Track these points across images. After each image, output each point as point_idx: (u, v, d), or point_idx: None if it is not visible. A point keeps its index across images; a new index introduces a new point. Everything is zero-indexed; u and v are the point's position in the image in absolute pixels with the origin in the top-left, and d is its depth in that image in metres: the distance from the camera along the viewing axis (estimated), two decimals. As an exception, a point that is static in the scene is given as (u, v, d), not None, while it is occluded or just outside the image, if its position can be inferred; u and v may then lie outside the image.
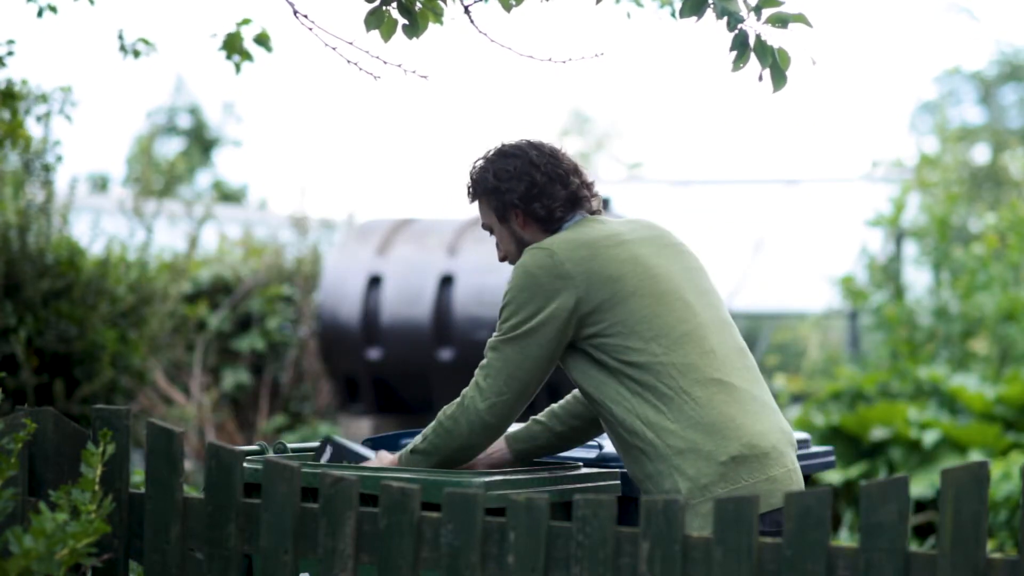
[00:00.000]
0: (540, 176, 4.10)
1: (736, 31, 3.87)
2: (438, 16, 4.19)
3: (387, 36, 4.14)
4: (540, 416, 4.30)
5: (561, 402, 4.32)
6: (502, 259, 4.20)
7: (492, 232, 4.21)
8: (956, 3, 30.33)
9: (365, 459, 4.30)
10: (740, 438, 3.92)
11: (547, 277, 3.98)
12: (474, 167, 4.18)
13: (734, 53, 3.89)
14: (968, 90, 28.07)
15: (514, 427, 4.30)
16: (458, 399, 4.06)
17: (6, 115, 5.91)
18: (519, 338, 4.02)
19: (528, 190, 4.10)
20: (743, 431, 3.93)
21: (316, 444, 4.55)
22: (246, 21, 5.36)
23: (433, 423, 4.06)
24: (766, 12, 3.84)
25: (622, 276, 3.99)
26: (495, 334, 4.08)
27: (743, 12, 3.85)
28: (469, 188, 4.19)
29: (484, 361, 4.06)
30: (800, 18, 3.84)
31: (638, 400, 3.94)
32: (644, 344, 3.96)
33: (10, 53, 5.95)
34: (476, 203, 4.21)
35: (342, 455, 4.33)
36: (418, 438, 4.09)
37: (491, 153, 4.18)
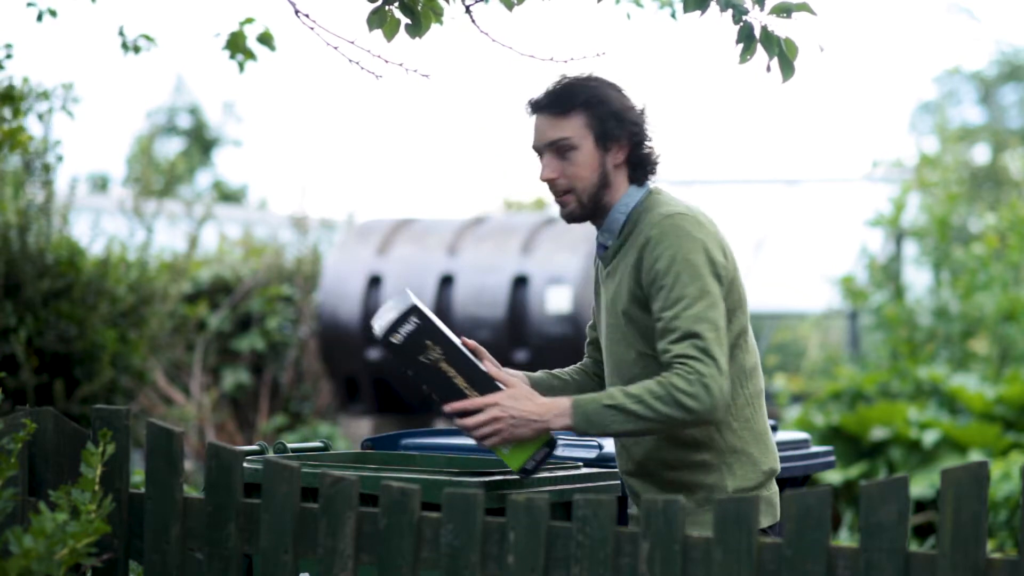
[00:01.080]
0: (650, 125, 3.92)
1: (741, 23, 3.87)
2: (438, 16, 4.19)
3: (390, 35, 4.14)
4: (575, 370, 4.13)
5: (586, 363, 4.17)
6: (552, 179, 3.85)
7: (561, 152, 3.84)
8: (956, 3, 30.34)
9: (456, 347, 3.73)
10: (773, 453, 3.95)
11: (709, 239, 3.78)
12: (579, 79, 3.86)
13: (740, 46, 3.89)
14: (968, 90, 28.08)
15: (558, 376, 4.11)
16: (686, 375, 3.67)
17: (7, 113, 5.91)
18: (715, 303, 3.73)
19: (645, 132, 3.89)
20: (773, 448, 3.97)
21: (317, 443, 4.55)
22: (249, 20, 5.36)
23: (654, 390, 3.67)
24: (770, 3, 3.85)
25: (733, 258, 3.88)
26: (686, 304, 3.72)
27: (747, 4, 3.86)
28: (569, 96, 3.83)
29: (698, 339, 3.69)
30: (804, 7, 3.84)
31: None
32: (732, 337, 3.83)
33: (8, 56, 5.95)
34: (556, 115, 3.84)
35: (426, 334, 3.70)
36: (623, 398, 3.68)
37: (599, 77, 3.88)
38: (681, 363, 3.70)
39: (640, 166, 3.90)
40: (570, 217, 3.91)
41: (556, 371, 4.15)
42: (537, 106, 3.88)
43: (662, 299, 3.75)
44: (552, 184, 3.87)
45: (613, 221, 3.90)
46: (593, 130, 3.85)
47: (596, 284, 4.09)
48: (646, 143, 3.90)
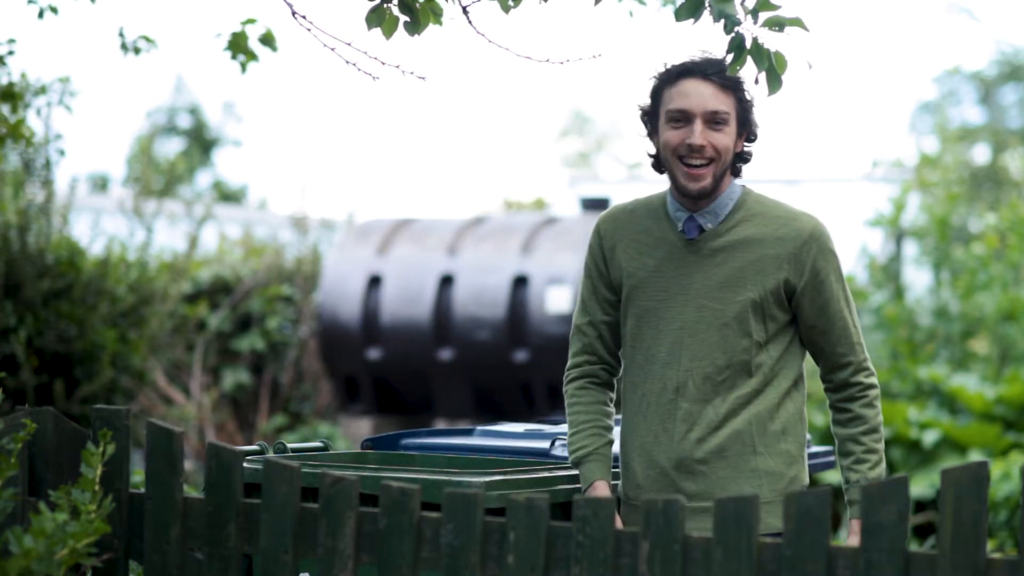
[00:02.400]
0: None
1: (733, 34, 3.86)
2: (437, 16, 4.18)
3: (389, 33, 4.13)
4: (608, 435, 4.07)
5: (602, 408, 4.09)
6: (703, 145, 3.88)
7: (715, 124, 3.90)
8: (956, 3, 30.36)
9: None
10: None
11: None
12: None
13: (730, 56, 3.89)
14: (968, 90, 28.10)
15: (601, 468, 4.03)
16: (874, 395, 3.95)
17: (5, 110, 5.91)
18: (851, 296, 4.00)
19: (757, 132, 4.02)
20: None
21: (317, 443, 4.55)
22: (251, 21, 5.36)
23: (875, 434, 3.94)
24: (763, 15, 3.84)
25: None
26: (841, 304, 3.93)
27: (740, 15, 3.85)
28: (729, 75, 3.87)
29: (856, 341, 3.95)
30: (797, 22, 3.84)
31: (799, 394, 3.99)
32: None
33: (11, 52, 5.95)
34: (720, 88, 3.91)
35: None
36: (870, 472, 3.91)
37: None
38: (869, 382, 3.94)
39: (742, 161, 4.00)
40: (702, 192, 3.92)
41: (598, 448, 4.02)
42: (703, 72, 3.91)
43: (837, 303, 3.92)
44: (700, 151, 3.90)
45: (722, 206, 3.96)
46: (738, 114, 3.94)
47: (617, 267, 4.00)
48: (753, 142, 4.02)
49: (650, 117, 4.00)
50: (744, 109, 3.94)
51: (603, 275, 4.04)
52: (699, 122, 3.89)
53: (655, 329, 3.94)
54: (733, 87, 3.92)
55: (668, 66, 3.96)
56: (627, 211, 4.05)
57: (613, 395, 4.12)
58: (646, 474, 3.94)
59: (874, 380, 3.97)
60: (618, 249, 4.01)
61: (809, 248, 3.89)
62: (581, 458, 4.01)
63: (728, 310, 3.89)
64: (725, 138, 3.91)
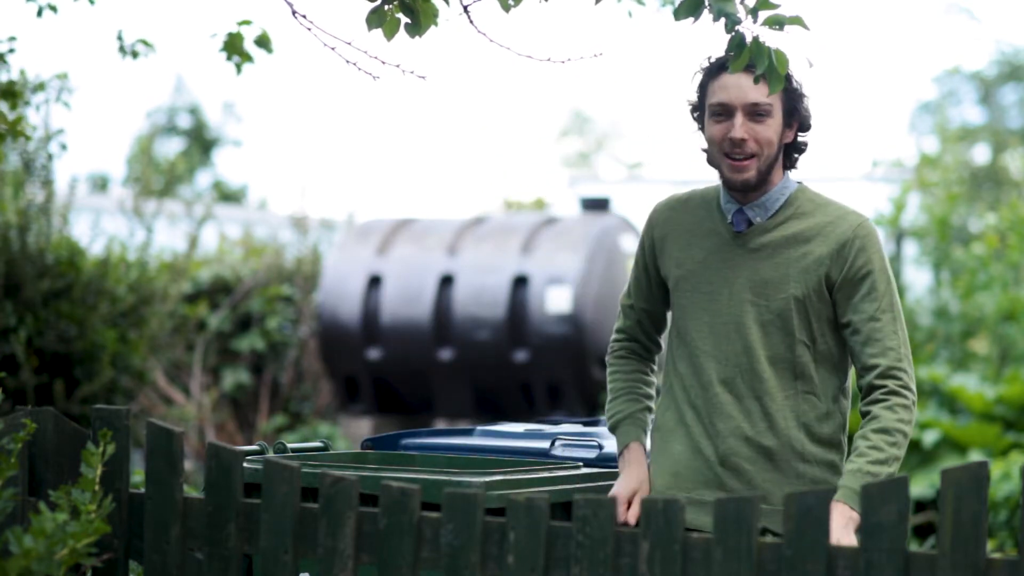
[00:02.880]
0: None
1: (733, 33, 3.86)
2: (434, 18, 4.17)
3: (390, 35, 4.12)
4: (647, 401, 4.08)
5: (641, 376, 4.10)
6: (744, 139, 3.83)
7: (757, 116, 3.84)
8: (956, 3, 30.37)
9: None
10: None
11: None
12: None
13: (731, 55, 3.88)
14: (968, 90, 28.11)
15: (636, 430, 4.04)
16: (903, 403, 3.79)
17: (5, 107, 5.90)
18: (897, 303, 3.91)
19: (810, 120, 3.94)
20: None
21: (317, 443, 4.55)
22: (247, 22, 5.35)
23: (890, 439, 3.74)
24: (763, 14, 3.84)
25: None
26: (880, 305, 3.88)
27: (740, 14, 3.84)
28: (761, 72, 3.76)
29: (906, 359, 3.83)
30: (797, 20, 3.83)
31: (845, 402, 3.93)
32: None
33: (11, 51, 5.94)
34: (751, 76, 3.82)
35: None
36: (877, 467, 3.70)
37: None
38: (895, 387, 3.79)
39: (796, 152, 3.94)
40: (746, 185, 3.87)
41: (634, 412, 4.05)
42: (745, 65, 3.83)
43: (873, 302, 3.86)
44: (742, 145, 3.85)
45: (772, 200, 3.90)
46: (784, 104, 3.88)
47: (667, 257, 3.98)
48: (808, 132, 3.95)
49: (699, 112, 3.96)
50: (791, 99, 3.88)
51: (648, 264, 4.02)
52: (740, 115, 3.84)
53: (700, 321, 3.91)
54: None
55: (712, 59, 3.93)
56: (682, 201, 4.03)
57: (654, 367, 4.12)
58: (690, 464, 3.89)
59: (903, 390, 3.80)
60: (668, 239, 3.99)
61: (852, 244, 3.85)
62: (617, 422, 4.03)
63: (772, 306, 3.85)
64: (768, 130, 3.85)
